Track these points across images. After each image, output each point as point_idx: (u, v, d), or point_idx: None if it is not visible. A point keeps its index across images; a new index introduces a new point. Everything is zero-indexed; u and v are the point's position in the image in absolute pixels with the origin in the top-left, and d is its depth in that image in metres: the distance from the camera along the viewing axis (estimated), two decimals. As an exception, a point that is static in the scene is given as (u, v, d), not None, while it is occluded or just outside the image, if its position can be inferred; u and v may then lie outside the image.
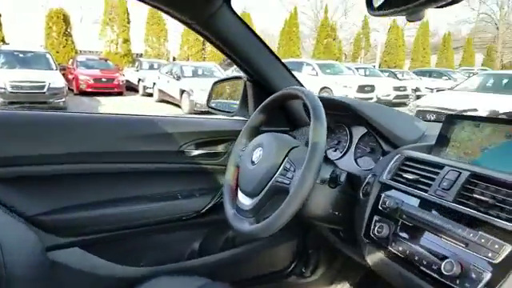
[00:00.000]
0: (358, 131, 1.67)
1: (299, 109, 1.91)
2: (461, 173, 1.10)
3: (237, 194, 1.38)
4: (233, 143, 1.57)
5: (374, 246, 1.30)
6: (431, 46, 35.84)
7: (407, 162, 1.30)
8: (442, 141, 1.32)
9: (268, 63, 1.75)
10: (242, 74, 1.85)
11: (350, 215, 1.43)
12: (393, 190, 1.28)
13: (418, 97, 14.29)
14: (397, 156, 1.35)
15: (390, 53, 33.50)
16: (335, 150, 1.76)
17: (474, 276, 0.96)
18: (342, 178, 1.36)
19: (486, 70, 19.76)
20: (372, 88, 14.69)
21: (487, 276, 0.93)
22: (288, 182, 1.25)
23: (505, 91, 8.16)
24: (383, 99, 14.66)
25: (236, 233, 1.63)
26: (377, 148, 1.58)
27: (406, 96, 15.71)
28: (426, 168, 1.22)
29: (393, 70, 20.86)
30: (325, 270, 2.12)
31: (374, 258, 1.31)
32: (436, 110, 7.73)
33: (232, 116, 1.86)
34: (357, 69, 17.48)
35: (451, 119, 1.31)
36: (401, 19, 30.01)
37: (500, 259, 0.92)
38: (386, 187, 1.32)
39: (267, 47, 1.72)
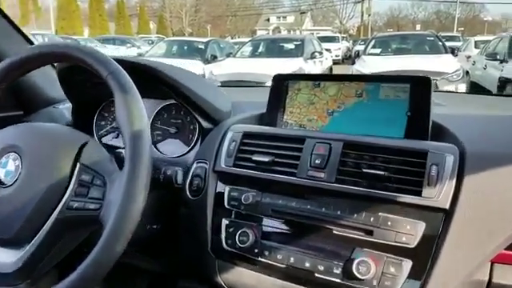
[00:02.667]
0: (153, 106, 1.19)
1: (36, 83, 1.21)
2: (331, 144, 0.88)
3: None
4: None
5: (234, 263, 0.96)
6: (107, 12, 35.52)
7: (248, 140, 0.98)
8: (275, 108, 1.07)
9: None
10: None
11: (173, 226, 1.04)
12: (242, 180, 0.96)
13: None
14: (230, 133, 1.01)
15: (64, 18, 30.90)
16: (117, 136, 1.22)
17: (392, 270, 0.77)
18: (179, 178, 0.92)
19: (162, 37, 21.35)
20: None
21: (408, 266, 0.77)
22: (96, 207, 0.75)
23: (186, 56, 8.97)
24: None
25: None
26: (186, 126, 1.17)
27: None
28: (281, 144, 0.94)
29: (75, 38, 19.35)
30: None
31: (235, 278, 0.96)
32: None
33: None
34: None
35: (280, 80, 1.07)
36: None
37: (417, 241, 0.77)
38: (228, 177, 0.99)
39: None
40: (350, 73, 6.28)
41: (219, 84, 6.32)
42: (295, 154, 0.93)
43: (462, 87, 5.82)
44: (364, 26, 34.85)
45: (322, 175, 0.87)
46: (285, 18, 50.97)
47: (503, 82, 5.99)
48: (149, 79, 1.00)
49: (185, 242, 1.09)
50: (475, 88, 7.23)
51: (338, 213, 0.85)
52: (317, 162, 0.89)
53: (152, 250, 1.22)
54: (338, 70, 9.78)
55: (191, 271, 1.29)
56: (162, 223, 1.05)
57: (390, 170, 0.83)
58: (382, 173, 0.82)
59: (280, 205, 0.90)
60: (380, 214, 0.81)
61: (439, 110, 0.96)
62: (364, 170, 0.84)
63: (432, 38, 7.16)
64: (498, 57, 6.47)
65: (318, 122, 1.02)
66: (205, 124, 1.10)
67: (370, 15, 33.11)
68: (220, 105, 1.12)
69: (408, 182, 0.80)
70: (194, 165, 1.03)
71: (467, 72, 6.91)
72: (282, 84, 1.07)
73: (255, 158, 0.95)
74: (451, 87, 5.65)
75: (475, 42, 11.01)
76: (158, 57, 9.30)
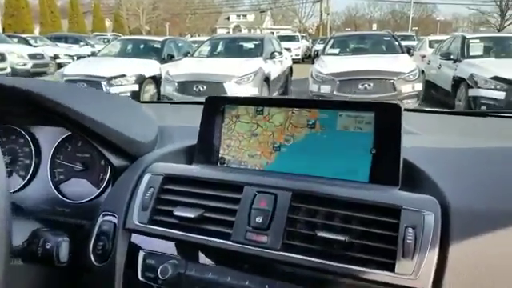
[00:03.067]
0: (52, 136, 0.93)
1: None
2: (276, 195, 0.67)
3: None
4: None
5: None
6: (59, 9, 33.81)
7: (170, 186, 0.76)
8: (209, 139, 0.84)
9: None
10: None
11: None
12: (160, 243, 0.74)
13: (60, 65, 13.20)
14: (147, 176, 0.77)
15: (13, 15, 29.06)
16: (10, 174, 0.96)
17: None
18: (63, 253, 0.68)
19: (118, 35, 20.49)
20: (2, 57, 12.23)
21: None
22: None
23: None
24: (20, 69, 12.61)
25: None
26: (96, 162, 0.92)
27: (46, 64, 14.17)
28: (212, 193, 0.72)
29: (23, 36, 18.19)
30: None
31: None
32: (86, 78, 7.25)
33: None
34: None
35: (214, 103, 0.84)
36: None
37: None
38: (142, 239, 0.76)
39: None
40: (310, 72, 6.15)
41: (175, 85, 6.02)
42: (231, 206, 0.71)
43: (419, 86, 5.84)
44: (323, 25, 35.18)
45: (264, 239, 0.66)
46: (245, 16, 50.70)
47: (457, 82, 6.06)
48: (22, 103, 0.74)
49: None
50: (431, 88, 7.31)
51: None
52: (258, 220, 0.67)
53: None
54: (299, 68, 9.69)
55: None
56: None
57: (352, 234, 0.62)
58: (341, 238, 0.62)
59: (209, 280, 0.68)
60: None
61: (411, 141, 0.77)
62: (318, 234, 0.63)
63: (389, 38, 7.18)
64: (452, 56, 6.56)
65: (262, 159, 0.80)
66: (115, 161, 0.85)
67: (328, 14, 33.44)
68: (138, 133, 0.88)
69: (377, 252, 0.60)
70: (100, 218, 0.78)
71: (423, 71, 6.96)
72: (216, 109, 0.85)
73: (178, 212, 0.72)
74: (408, 86, 5.65)
75: (429, 41, 11.22)
76: (112, 56, 8.83)
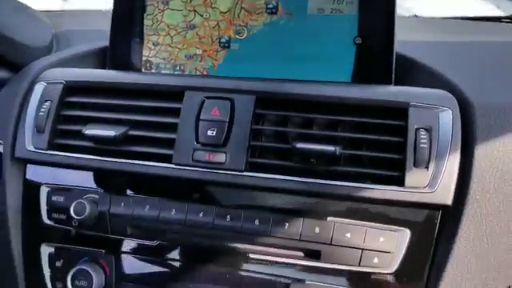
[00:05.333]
0: None
1: None
2: (233, 100, 0.48)
3: None
4: None
5: None
6: None
7: (75, 98, 0.54)
8: (125, 37, 0.61)
9: None
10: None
11: None
12: (70, 175, 0.55)
13: None
14: (40, 87, 0.57)
15: None
16: None
17: None
18: None
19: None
20: None
21: None
22: None
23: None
24: None
25: None
26: None
27: None
28: (138, 104, 0.52)
29: None
30: None
31: None
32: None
33: None
34: None
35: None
36: None
37: (397, 264, 0.44)
38: (43, 170, 0.56)
39: None
40: None
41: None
42: (167, 120, 0.50)
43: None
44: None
45: (221, 158, 0.47)
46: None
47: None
48: None
49: None
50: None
51: (255, 223, 0.46)
52: (210, 134, 0.48)
53: None
54: None
55: None
56: None
57: (341, 144, 0.46)
58: (328, 148, 0.44)
59: (146, 216, 0.49)
60: (330, 218, 0.45)
61: (406, 33, 0.59)
62: (297, 146, 0.45)
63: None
64: None
65: (205, 61, 0.59)
66: None
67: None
68: (24, 36, 0.62)
69: (377, 164, 0.45)
70: None
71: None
72: None
73: (90, 131, 0.49)
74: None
75: None
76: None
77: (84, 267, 0.50)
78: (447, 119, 0.45)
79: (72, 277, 0.50)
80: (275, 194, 0.47)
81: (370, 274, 0.45)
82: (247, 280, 0.48)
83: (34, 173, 0.56)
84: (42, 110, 0.53)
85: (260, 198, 0.48)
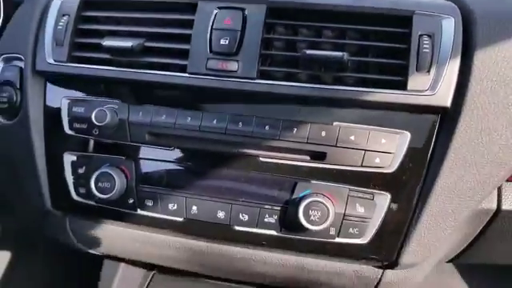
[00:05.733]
0: None
1: None
2: (244, 10, 0.51)
3: None
4: None
5: (96, 220, 0.62)
6: None
7: (92, 12, 0.58)
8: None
9: None
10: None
11: None
12: (88, 87, 0.58)
13: None
14: (58, 2, 0.58)
15: None
16: None
17: (360, 211, 0.50)
18: None
19: None
20: None
21: (384, 202, 0.49)
22: None
23: None
24: None
25: None
26: None
27: None
28: (153, 17, 0.55)
29: None
30: None
31: (102, 244, 0.64)
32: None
33: None
34: None
35: None
36: None
37: (398, 163, 0.49)
38: (64, 82, 0.59)
39: None
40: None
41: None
42: (181, 31, 0.52)
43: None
44: None
45: (233, 66, 0.50)
46: None
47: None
48: None
49: (10, 196, 0.67)
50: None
51: (266, 128, 0.50)
52: (223, 43, 0.50)
53: None
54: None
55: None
56: None
57: (349, 50, 0.48)
58: (336, 54, 0.47)
59: (163, 123, 0.53)
60: (336, 123, 0.49)
61: None
62: (308, 52, 0.47)
63: None
64: None
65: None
66: None
67: None
68: None
69: (382, 69, 0.48)
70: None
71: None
72: None
73: (109, 42, 0.52)
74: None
75: None
76: None
77: (107, 170, 0.54)
78: (449, 26, 0.47)
79: (95, 179, 0.54)
80: (285, 101, 0.50)
81: (371, 173, 0.49)
82: (257, 182, 0.52)
83: (54, 86, 0.58)
84: (61, 24, 0.55)
85: (270, 105, 0.51)
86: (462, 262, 0.63)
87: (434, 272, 0.64)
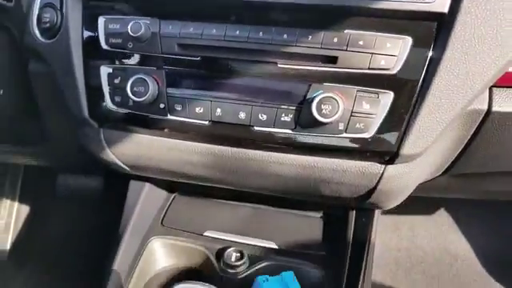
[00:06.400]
0: None
1: None
2: None
3: None
4: None
5: (129, 129, 0.69)
6: None
7: None
8: None
9: None
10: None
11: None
12: (124, 2, 0.64)
13: None
14: None
15: None
16: None
17: (366, 107, 0.57)
18: None
19: None
20: None
21: (387, 100, 0.56)
22: None
23: None
24: None
25: None
26: None
27: None
28: None
29: None
30: None
31: (133, 151, 0.68)
32: None
33: None
34: None
35: None
36: None
37: (400, 65, 0.55)
38: (97, 4, 0.66)
39: None
40: None
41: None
42: None
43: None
44: None
45: None
46: None
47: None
48: None
49: (47, 110, 0.74)
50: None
51: (284, 36, 0.56)
52: None
53: (13, 134, 0.85)
54: None
55: (69, 157, 0.96)
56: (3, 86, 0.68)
57: None
58: None
59: (191, 34, 0.59)
60: (346, 31, 0.55)
61: None
62: None
63: None
64: None
65: None
66: None
67: None
68: None
69: None
70: None
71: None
72: None
73: None
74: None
75: None
76: None
77: (141, 76, 0.61)
78: None
79: (131, 84, 0.61)
80: (300, 12, 0.56)
81: (377, 75, 0.55)
82: (275, 85, 0.59)
83: (91, 7, 0.65)
84: None
85: (288, 16, 0.57)
86: (455, 172, 0.69)
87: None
